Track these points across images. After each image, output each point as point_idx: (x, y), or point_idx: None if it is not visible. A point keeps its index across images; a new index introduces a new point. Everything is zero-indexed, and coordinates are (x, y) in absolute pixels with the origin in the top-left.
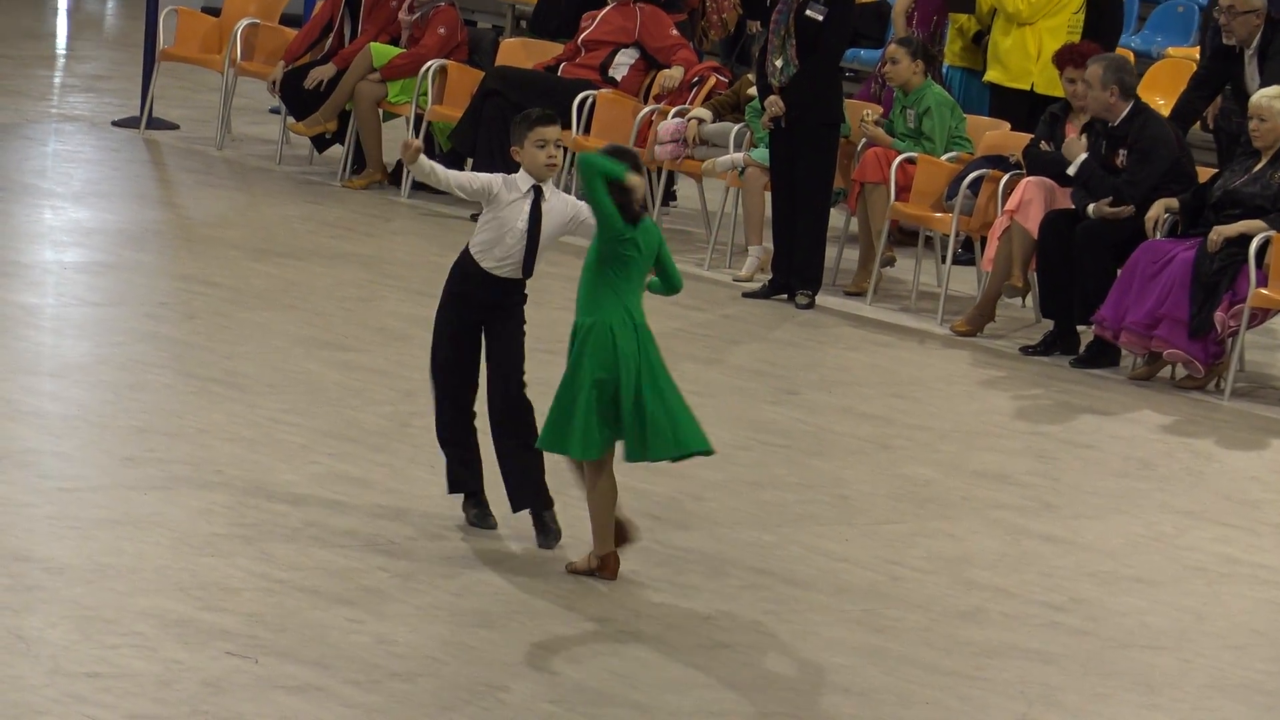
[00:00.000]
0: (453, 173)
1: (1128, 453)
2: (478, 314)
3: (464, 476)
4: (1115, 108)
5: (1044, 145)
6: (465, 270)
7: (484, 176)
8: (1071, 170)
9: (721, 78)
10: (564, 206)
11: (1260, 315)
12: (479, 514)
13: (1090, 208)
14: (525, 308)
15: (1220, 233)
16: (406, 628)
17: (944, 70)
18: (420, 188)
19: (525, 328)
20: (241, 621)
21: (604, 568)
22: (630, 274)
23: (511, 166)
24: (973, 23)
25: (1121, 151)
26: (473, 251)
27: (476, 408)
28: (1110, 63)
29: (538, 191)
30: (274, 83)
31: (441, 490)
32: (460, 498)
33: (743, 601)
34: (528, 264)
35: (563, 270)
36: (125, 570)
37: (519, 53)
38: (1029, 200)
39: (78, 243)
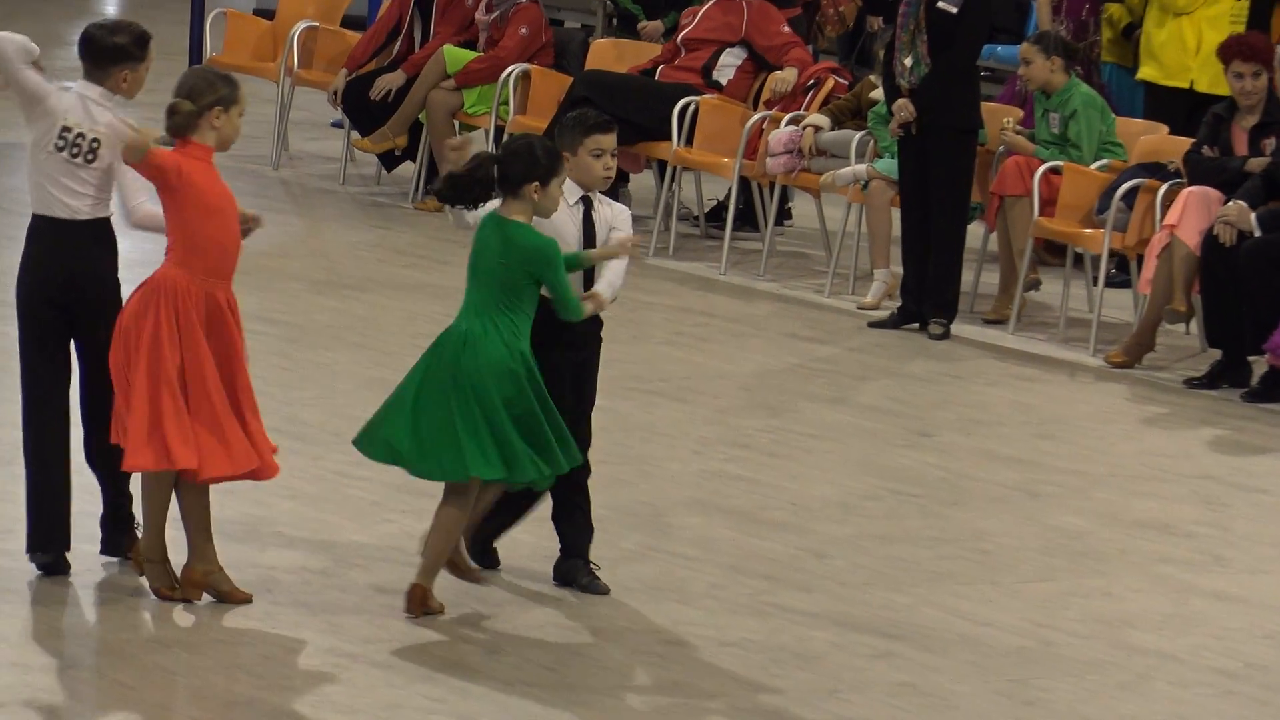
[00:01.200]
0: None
1: None
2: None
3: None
4: None
5: (1207, 150)
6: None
7: None
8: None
9: (840, 80)
10: (610, 214)
11: None
12: (591, 580)
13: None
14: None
15: None
16: (495, 707)
17: (1105, 68)
18: None
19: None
20: (309, 704)
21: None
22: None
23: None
24: (1124, 13)
25: None
26: None
27: None
28: None
29: (587, 202)
30: (335, 93)
31: (532, 550)
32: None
33: (873, 673)
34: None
35: (662, 299)
36: (178, 645)
37: (610, 55)
38: (1191, 213)
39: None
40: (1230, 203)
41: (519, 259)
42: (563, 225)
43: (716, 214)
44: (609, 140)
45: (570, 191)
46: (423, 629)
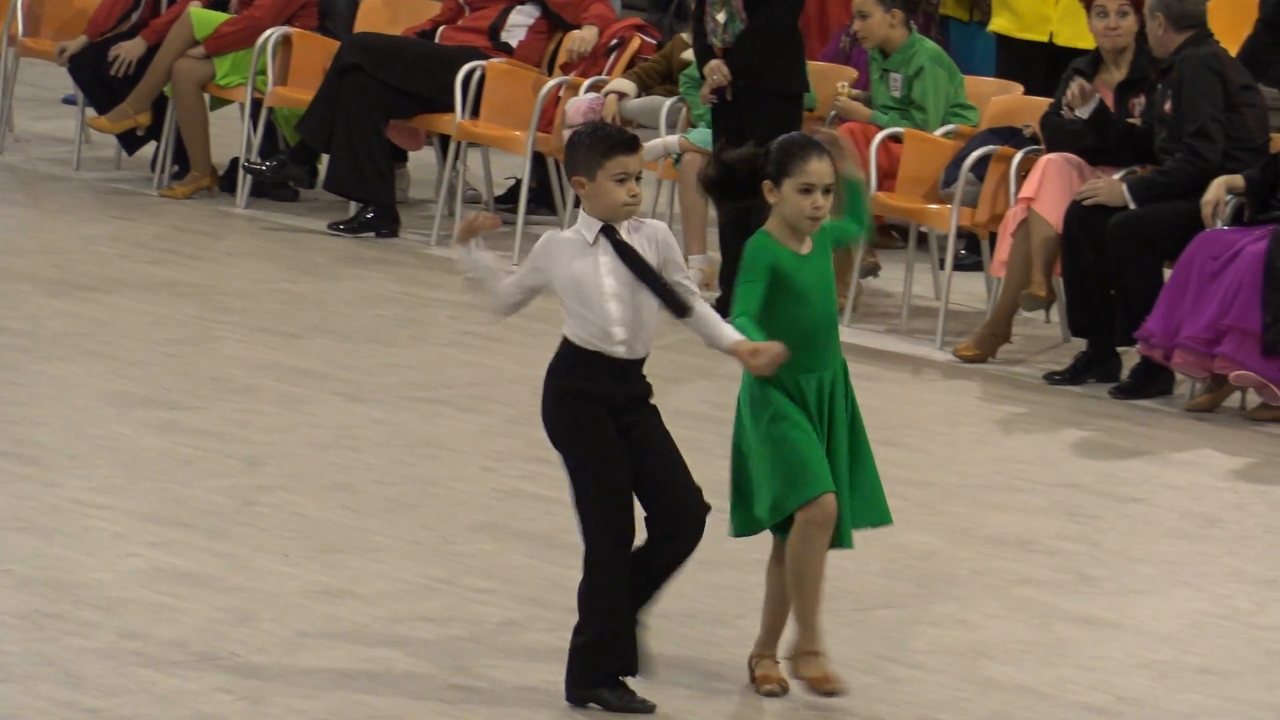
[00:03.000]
0: (507, 281)
1: (1187, 507)
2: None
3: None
4: (1165, 42)
5: (1067, 112)
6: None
7: (526, 267)
8: (1082, 113)
9: (648, 39)
10: (648, 233)
11: None
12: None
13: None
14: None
15: None
16: None
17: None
18: (262, 194)
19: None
20: None
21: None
22: None
23: (380, 165)
24: None
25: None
26: (584, 344)
27: None
28: None
29: (609, 232)
30: (62, 51)
31: (299, 588)
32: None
33: (692, 716)
34: (673, 306)
35: (447, 295)
36: None
37: (383, 14)
38: (1050, 184)
39: None
40: (1100, 176)
41: None
42: (586, 275)
43: (509, 196)
44: (635, 162)
45: (584, 228)
46: (173, 678)
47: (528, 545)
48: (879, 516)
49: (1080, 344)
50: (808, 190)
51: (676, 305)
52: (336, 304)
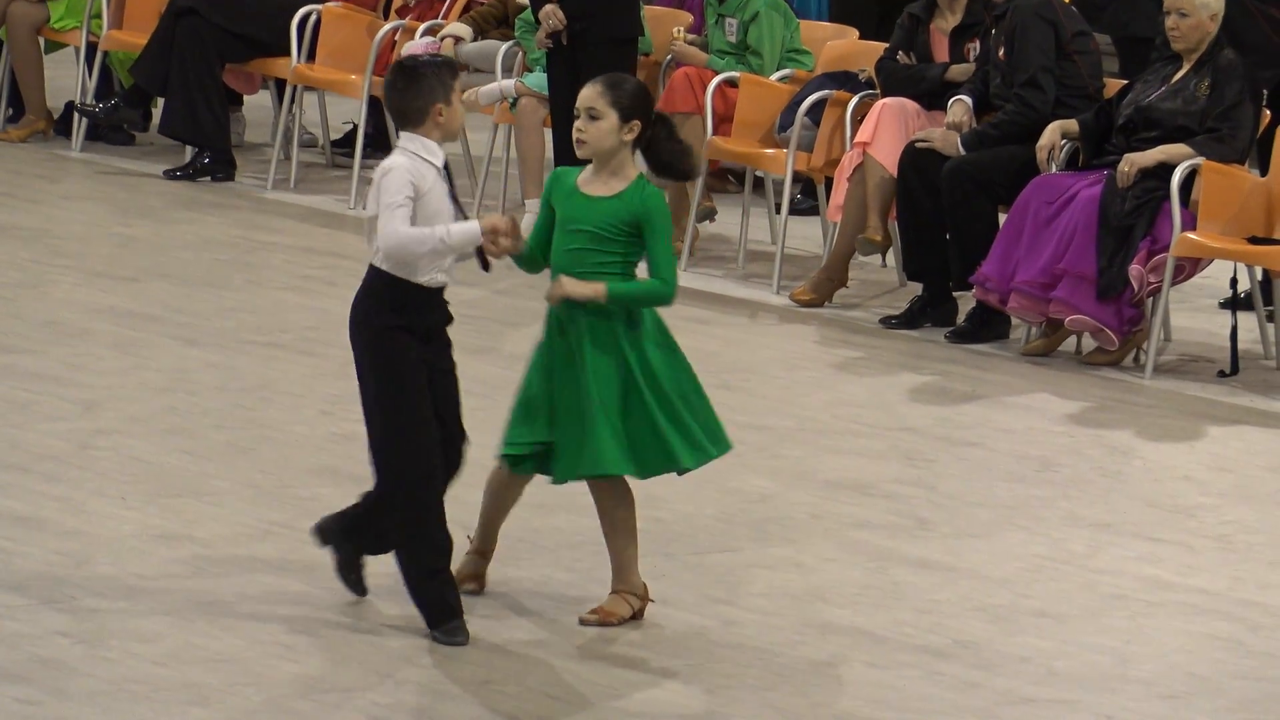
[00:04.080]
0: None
1: (1023, 450)
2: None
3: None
4: None
5: (902, 57)
6: (396, 298)
7: (398, 186)
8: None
9: None
10: None
11: (1187, 268)
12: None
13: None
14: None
15: (1133, 162)
16: (97, 710)
17: None
18: (97, 137)
19: None
20: None
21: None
22: None
23: (216, 109)
24: None
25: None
26: (397, 272)
27: None
28: None
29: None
30: None
31: (136, 531)
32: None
33: (530, 660)
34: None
35: (283, 238)
36: None
37: None
38: (886, 129)
39: None
40: (944, 121)
41: None
42: (437, 200)
43: (345, 140)
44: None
45: (433, 153)
46: (10, 621)
47: (365, 488)
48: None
49: (916, 288)
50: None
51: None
52: (172, 248)
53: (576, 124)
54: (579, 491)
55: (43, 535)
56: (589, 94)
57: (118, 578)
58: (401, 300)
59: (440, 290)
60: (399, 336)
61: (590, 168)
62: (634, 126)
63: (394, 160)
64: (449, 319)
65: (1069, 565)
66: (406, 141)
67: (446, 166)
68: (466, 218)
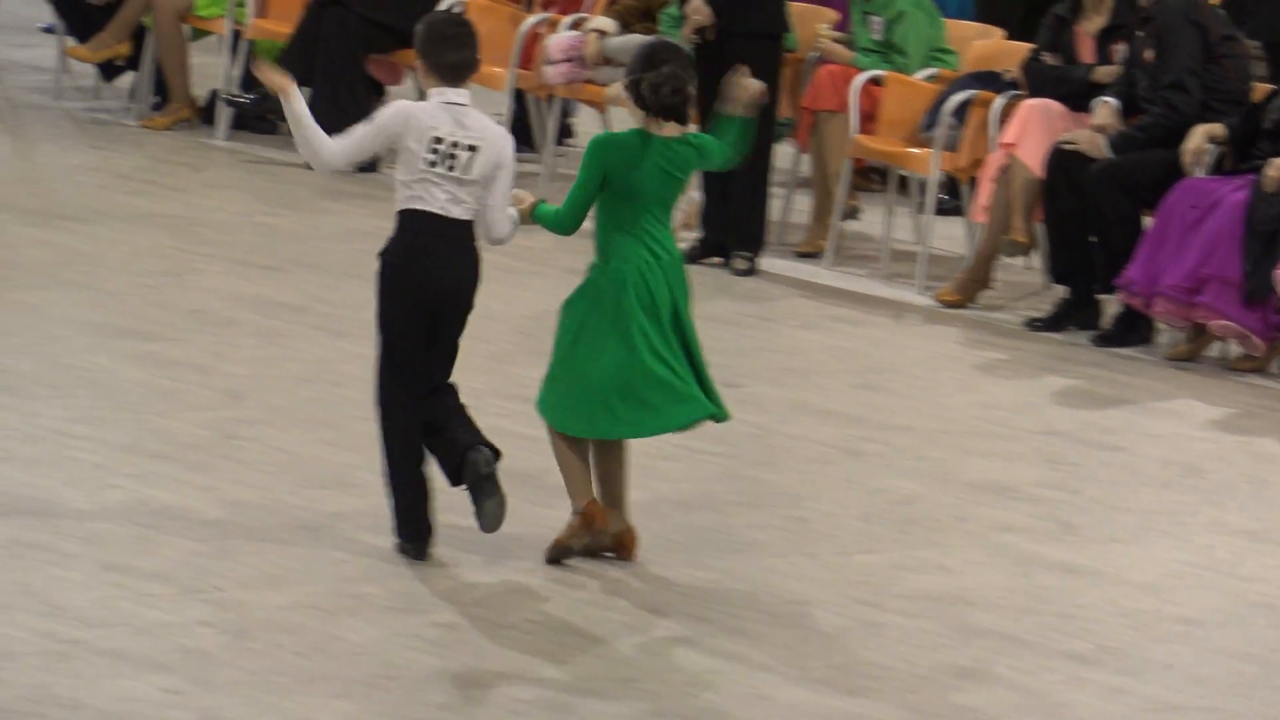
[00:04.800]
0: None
1: (1168, 456)
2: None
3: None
4: None
5: (1048, 57)
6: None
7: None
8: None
9: None
10: None
11: None
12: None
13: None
14: None
15: None
16: (240, 700)
17: None
18: (242, 126)
19: None
20: (22, 697)
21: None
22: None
23: (360, 99)
24: None
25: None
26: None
27: None
28: None
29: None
30: None
31: (280, 522)
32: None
33: (672, 659)
34: None
35: None
36: None
37: None
38: (1031, 130)
39: None
40: (1090, 123)
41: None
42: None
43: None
44: None
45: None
46: (154, 610)
47: (507, 484)
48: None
49: (1061, 291)
50: None
51: None
52: (317, 238)
53: None
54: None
55: (187, 524)
56: None
57: (261, 568)
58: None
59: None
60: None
61: None
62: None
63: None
64: None
65: (1214, 572)
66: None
67: None
68: None
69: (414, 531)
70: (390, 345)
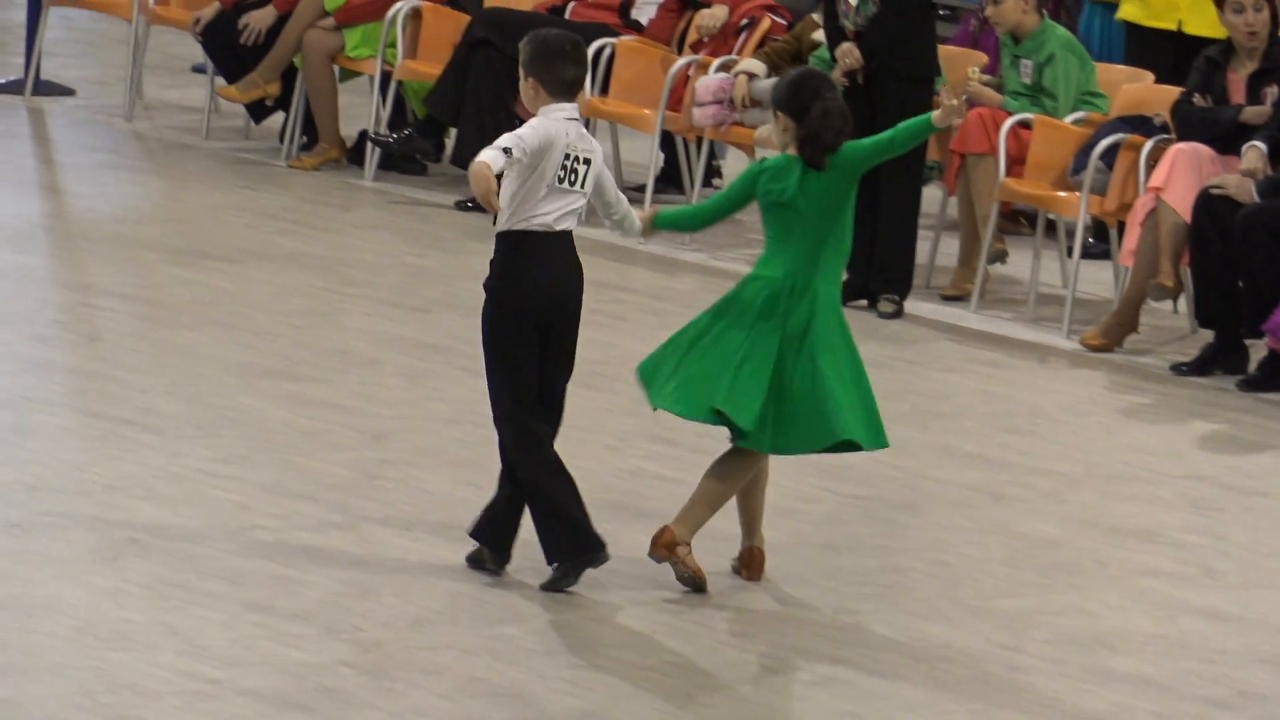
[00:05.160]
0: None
1: None
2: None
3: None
4: None
5: (1198, 99)
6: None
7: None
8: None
9: (778, 19)
10: None
11: None
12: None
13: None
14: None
15: None
16: None
17: (1083, 6)
18: (390, 166)
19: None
20: None
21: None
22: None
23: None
24: None
25: None
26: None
27: None
28: None
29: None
30: (198, 21)
31: (422, 563)
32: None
33: (814, 701)
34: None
35: None
36: (11, 671)
37: None
38: (1179, 174)
39: None
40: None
41: None
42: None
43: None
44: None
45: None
46: (295, 650)
47: (651, 525)
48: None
49: (1207, 335)
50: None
51: None
52: (463, 279)
53: None
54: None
55: (329, 565)
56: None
57: (402, 609)
58: None
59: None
60: None
61: None
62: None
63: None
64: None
65: None
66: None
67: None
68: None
69: (589, 540)
70: (510, 367)
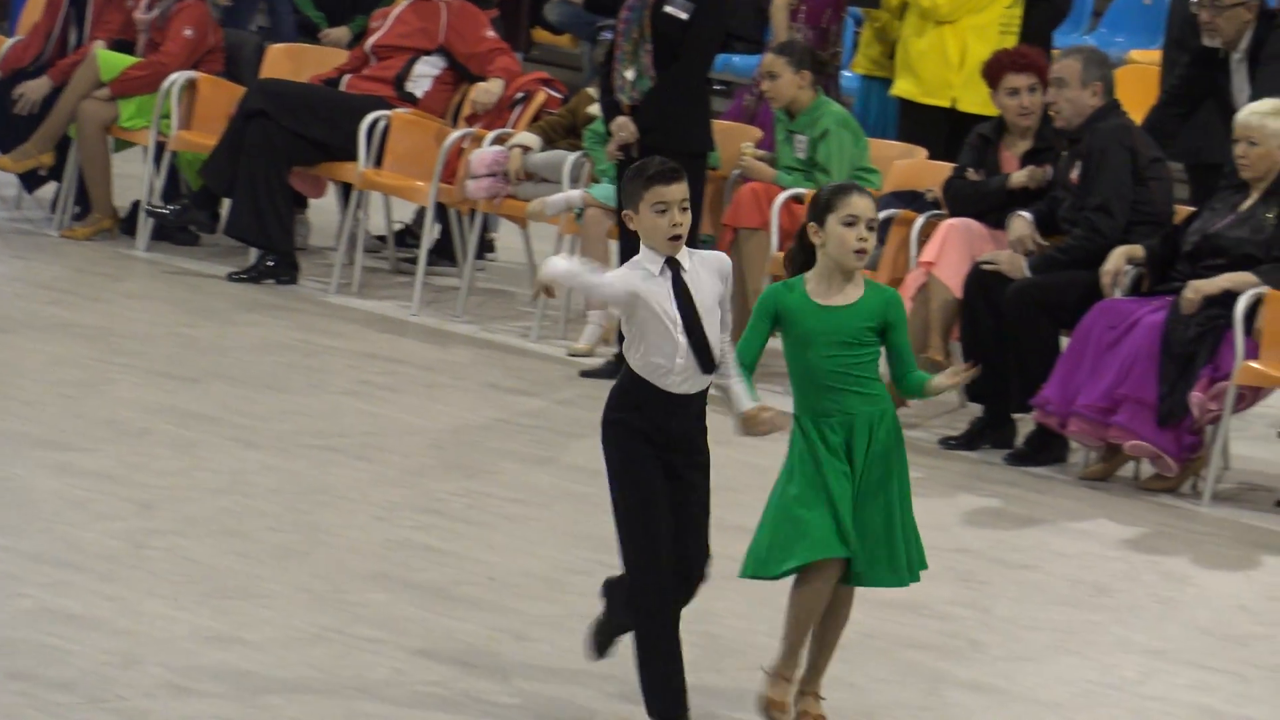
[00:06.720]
0: (599, 280)
1: (1078, 575)
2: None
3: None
4: (1079, 106)
5: (971, 174)
6: (638, 398)
7: (618, 276)
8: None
9: (554, 93)
10: (713, 265)
11: (1249, 396)
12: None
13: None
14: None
15: (1198, 289)
16: None
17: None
18: (163, 237)
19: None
20: None
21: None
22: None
23: (282, 212)
24: (891, 19)
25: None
26: (642, 373)
27: None
28: (1089, 55)
29: (673, 265)
30: None
31: (188, 632)
32: None
33: None
34: (702, 359)
35: (344, 343)
36: None
37: (287, 62)
38: (950, 249)
39: None
40: (1009, 242)
41: None
42: (658, 301)
43: (401, 239)
44: (674, 191)
45: (649, 260)
46: None
47: (418, 596)
48: (895, 577)
49: (976, 409)
50: (851, 223)
51: (705, 359)
52: (234, 349)
53: (859, 231)
54: None
55: (94, 634)
56: (869, 205)
57: (167, 678)
58: (634, 394)
59: (688, 398)
60: (623, 429)
61: (825, 277)
62: None
63: None
64: (700, 430)
65: (1120, 691)
66: None
67: (675, 271)
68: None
69: (678, 704)
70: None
